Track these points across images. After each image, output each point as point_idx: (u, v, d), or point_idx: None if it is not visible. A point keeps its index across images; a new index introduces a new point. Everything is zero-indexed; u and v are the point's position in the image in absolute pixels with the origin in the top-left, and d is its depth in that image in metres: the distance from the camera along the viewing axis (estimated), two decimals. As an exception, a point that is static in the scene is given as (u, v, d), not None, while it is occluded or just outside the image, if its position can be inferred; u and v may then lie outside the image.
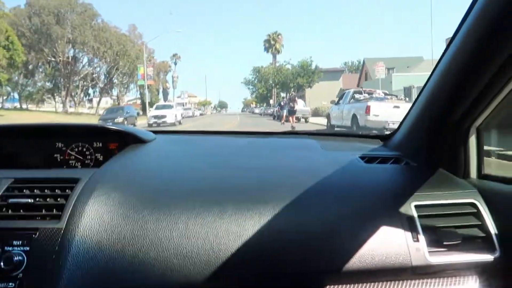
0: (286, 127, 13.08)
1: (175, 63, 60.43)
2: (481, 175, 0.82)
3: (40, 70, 35.86)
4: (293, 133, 1.34)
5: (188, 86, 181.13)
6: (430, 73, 0.82)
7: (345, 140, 1.23)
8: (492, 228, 0.71)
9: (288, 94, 32.15)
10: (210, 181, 0.81)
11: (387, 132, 1.10)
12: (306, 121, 19.03)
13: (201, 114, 54.69)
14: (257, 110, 56.96)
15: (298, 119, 18.09)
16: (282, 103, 19.29)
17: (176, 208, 0.70)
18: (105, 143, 1.07)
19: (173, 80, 59.70)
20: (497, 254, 0.69)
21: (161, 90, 55.61)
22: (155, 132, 1.20)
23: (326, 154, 1.01)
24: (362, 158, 0.94)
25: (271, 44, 53.50)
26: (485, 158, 0.83)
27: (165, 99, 59.34)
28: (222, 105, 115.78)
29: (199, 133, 1.36)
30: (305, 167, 0.90)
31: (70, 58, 33.85)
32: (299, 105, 18.41)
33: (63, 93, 31.10)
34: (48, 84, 38.57)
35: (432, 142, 0.89)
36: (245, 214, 0.70)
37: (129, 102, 60.73)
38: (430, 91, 0.84)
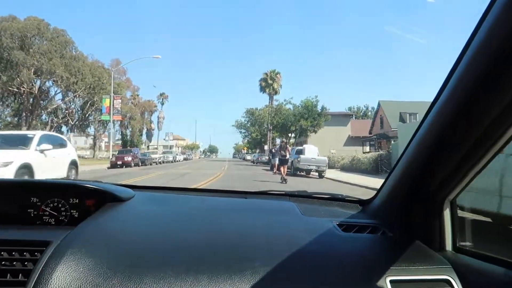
0: (277, 178, 12.43)
1: (162, 103, 55.86)
2: (456, 248, 0.87)
3: (3, 102, 30.33)
4: (272, 194, 1.37)
5: (176, 128, 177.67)
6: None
7: (324, 203, 1.28)
8: None
9: (286, 139, 27.16)
10: (185, 248, 0.84)
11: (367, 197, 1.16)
12: (321, 176, 15.85)
13: (185, 159, 47.56)
14: (249, 157, 54.83)
15: (307, 172, 16.46)
16: (273, 150, 18.04)
17: (147, 277, 0.72)
18: (82, 200, 1.08)
19: (158, 121, 54.60)
20: None
21: (144, 131, 49.93)
22: (134, 187, 1.25)
23: (304, 220, 1.05)
24: (340, 225, 0.98)
25: (268, 84, 50.02)
26: (459, 232, 0.88)
27: (149, 140, 53.22)
28: (212, 150, 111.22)
29: (178, 190, 1.43)
30: (282, 234, 0.94)
31: (36, 89, 28.63)
32: (312, 153, 16.84)
33: (24, 129, 25.47)
34: (11, 118, 32.74)
35: (408, 212, 0.94)
36: (219, 284, 0.71)
37: (106, 143, 54.24)
38: (406, 160, 0.89)
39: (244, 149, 74.01)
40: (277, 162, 14.51)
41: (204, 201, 1.25)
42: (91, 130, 42.30)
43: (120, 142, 48.23)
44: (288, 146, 14.14)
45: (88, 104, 34.87)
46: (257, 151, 58.65)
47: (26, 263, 0.75)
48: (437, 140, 0.77)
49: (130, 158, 22.19)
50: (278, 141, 36.73)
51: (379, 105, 35.59)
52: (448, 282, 0.77)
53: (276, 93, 48.29)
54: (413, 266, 0.80)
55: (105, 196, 1.07)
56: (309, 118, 33.39)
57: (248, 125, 53.70)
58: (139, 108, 50.69)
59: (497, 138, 0.68)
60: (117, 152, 24.76)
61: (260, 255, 0.79)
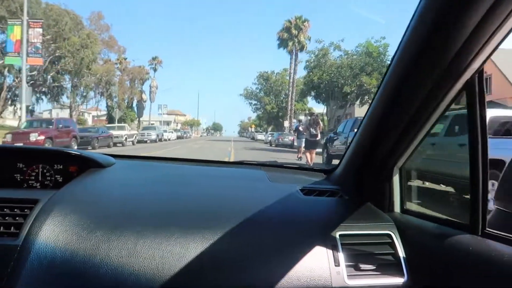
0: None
1: (155, 69, 46.15)
2: (403, 210, 1.08)
3: None
4: (245, 164, 1.57)
5: (177, 103, 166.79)
6: None
7: (292, 172, 1.49)
8: (403, 257, 0.95)
9: (331, 107, 17.59)
10: (161, 207, 1.00)
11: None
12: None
13: (179, 137, 36.85)
14: (260, 136, 43.77)
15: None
16: (300, 127, 13.36)
17: (127, 230, 0.87)
18: (66, 165, 1.23)
19: (150, 90, 45.41)
20: (405, 278, 0.91)
21: (135, 103, 40.99)
22: (115, 156, 1.40)
23: (271, 185, 1.25)
24: (302, 190, 1.18)
25: (292, 35, 35.76)
26: (406, 195, 1.09)
27: (140, 114, 43.62)
28: (216, 128, 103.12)
29: (158, 159, 1.60)
30: (249, 196, 1.14)
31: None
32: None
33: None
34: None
35: (362, 178, 1.15)
36: (189, 237, 0.87)
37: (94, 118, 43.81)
38: (361, 133, 1.09)
39: (252, 127, 64.41)
40: (303, 144, 12.00)
41: (181, 169, 1.44)
42: (66, 97, 33.40)
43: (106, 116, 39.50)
44: (319, 120, 11.39)
45: (48, 62, 25.67)
46: (269, 128, 48.05)
47: (17, 218, 0.88)
48: (383, 114, 0.97)
49: (42, 137, 12.99)
50: (302, 117, 25.77)
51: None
52: (389, 236, 0.98)
53: (302, 48, 35.86)
54: (361, 223, 1.00)
55: (88, 162, 1.23)
56: (374, 72, 21.42)
57: (261, 94, 44.35)
58: (127, 75, 41.40)
59: (430, 113, 0.88)
60: (24, 125, 15.01)
61: (228, 214, 0.97)
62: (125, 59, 42.02)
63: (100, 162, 1.24)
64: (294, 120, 30.97)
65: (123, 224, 0.88)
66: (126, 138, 21.40)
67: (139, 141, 24.63)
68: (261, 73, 42.61)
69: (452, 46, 0.73)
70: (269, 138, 31.36)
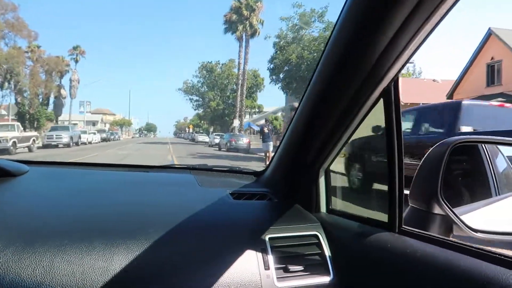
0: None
1: (76, 61, 43.01)
2: (328, 210, 1.19)
3: None
4: (173, 167, 1.64)
5: (104, 101, 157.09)
6: None
7: (223, 175, 1.56)
8: (328, 256, 1.04)
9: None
10: (80, 218, 1.00)
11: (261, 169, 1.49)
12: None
13: (105, 140, 34.38)
14: (202, 138, 39.97)
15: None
16: (265, 129, 12.83)
17: (41, 246, 0.84)
18: None
19: (71, 85, 42.29)
20: (331, 277, 1.01)
21: (52, 99, 37.91)
22: (29, 163, 1.36)
23: (201, 190, 1.31)
24: (232, 194, 1.25)
25: (241, 17, 32.47)
26: (332, 196, 1.20)
27: (58, 112, 40.47)
28: (149, 128, 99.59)
29: (77, 164, 1.61)
30: (177, 203, 1.18)
31: None
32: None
33: None
34: None
35: (290, 181, 1.25)
36: (113, 249, 0.87)
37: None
38: (289, 135, 1.19)
39: (190, 127, 62.43)
40: (271, 148, 11.78)
41: (103, 175, 1.43)
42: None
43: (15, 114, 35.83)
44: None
45: None
46: (211, 129, 46.90)
47: None
48: (308, 118, 1.08)
49: None
50: (262, 122, 23.55)
51: (488, 33, 20.20)
52: (316, 237, 1.07)
53: (254, 34, 33.33)
54: (290, 225, 1.08)
55: None
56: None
57: (204, 89, 40.96)
58: (41, 65, 38.16)
59: (352, 118, 0.99)
60: None
61: (155, 222, 0.99)
62: (39, 47, 38.66)
63: (8, 170, 1.19)
64: (244, 119, 30.03)
65: (38, 240, 0.85)
66: (14, 142, 17.00)
67: (45, 146, 21.80)
68: (203, 64, 39.41)
69: (372, 53, 0.84)
70: (216, 141, 28.55)
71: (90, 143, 28.62)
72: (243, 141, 23.31)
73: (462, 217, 0.93)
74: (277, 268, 0.97)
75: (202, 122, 56.00)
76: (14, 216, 0.97)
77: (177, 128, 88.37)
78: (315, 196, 1.20)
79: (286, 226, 1.08)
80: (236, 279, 0.92)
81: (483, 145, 1.11)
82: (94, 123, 56.41)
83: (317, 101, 1.03)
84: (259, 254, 0.98)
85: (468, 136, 1.07)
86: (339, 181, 1.22)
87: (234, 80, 36.77)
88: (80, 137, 26.01)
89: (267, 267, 0.96)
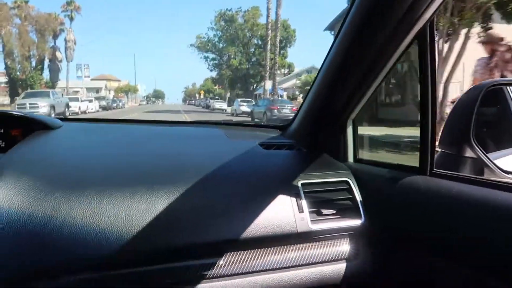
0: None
1: (71, 18, 43.10)
2: (356, 159, 1.36)
3: None
4: (201, 123, 1.85)
5: (108, 67, 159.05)
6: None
7: (248, 129, 1.82)
8: (360, 200, 1.21)
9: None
10: (120, 166, 1.16)
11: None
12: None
13: (105, 108, 34.22)
14: (219, 105, 36.44)
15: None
16: None
17: (88, 189, 0.98)
18: (7, 129, 1.38)
19: (66, 46, 42.72)
20: (362, 220, 1.18)
21: (46, 63, 38.68)
22: (62, 119, 1.58)
23: (230, 142, 1.49)
24: (261, 145, 1.41)
25: None
26: (360, 145, 1.37)
27: (54, 77, 41.39)
28: (157, 95, 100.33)
29: (107, 121, 1.86)
30: (209, 153, 1.34)
31: None
32: None
33: None
34: None
35: (318, 131, 1.42)
36: (155, 194, 1.01)
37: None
38: (316, 87, 1.34)
39: (200, 93, 59.47)
40: None
41: (134, 129, 1.67)
42: None
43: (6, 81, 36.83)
44: None
45: None
46: (227, 95, 44.77)
47: None
48: (339, 65, 1.20)
49: None
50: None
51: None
52: (347, 183, 1.23)
53: None
54: (320, 172, 1.25)
55: (32, 125, 1.37)
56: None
57: (222, 44, 36.09)
58: (31, 24, 38.72)
59: (384, 63, 1.12)
60: None
61: (190, 170, 1.14)
62: (26, 2, 38.56)
63: (46, 123, 1.38)
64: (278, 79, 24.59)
65: (83, 184, 1.00)
66: (47, 109, 17.33)
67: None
68: (221, 13, 35.17)
69: None
70: (243, 109, 25.04)
71: (84, 112, 26.97)
72: (289, 108, 18.84)
73: (496, 161, 1.06)
74: (310, 212, 1.13)
75: (216, 87, 52.72)
76: (58, 163, 1.13)
77: (186, 95, 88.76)
78: (343, 146, 1.36)
79: (316, 173, 1.24)
80: (272, 221, 1.08)
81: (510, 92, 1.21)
82: (97, 90, 55.24)
83: (349, 46, 1.14)
84: (293, 199, 1.13)
85: (501, 79, 1.20)
86: (367, 131, 1.37)
87: (260, 32, 33.35)
88: (68, 106, 23.61)
89: (301, 210, 1.12)
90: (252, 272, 1.08)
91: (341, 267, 1.16)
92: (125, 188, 1.01)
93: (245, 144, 1.42)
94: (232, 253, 1.06)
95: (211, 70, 44.29)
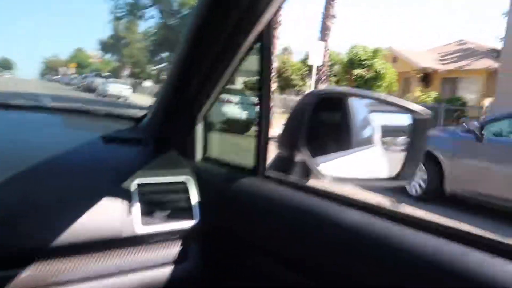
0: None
1: None
2: (204, 158, 1.37)
3: None
4: (41, 108, 1.64)
5: None
6: None
7: (97, 119, 1.62)
8: (196, 201, 1.21)
9: None
10: None
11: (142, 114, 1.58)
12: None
13: None
14: (117, 90, 22.19)
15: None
16: None
17: None
18: None
19: None
20: (195, 221, 1.18)
21: None
22: None
23: (67, 133, 1.40)
24: (103, 138, 1.32)
25: None
26: (209, 143, 1.40)
27: None
28: (5, 65, 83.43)
29: None
30: (38, 144, 1.23)
31: None
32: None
33: None
34: None
35: (169, 126, 1.38)
36: None
37: None
38: (168, 78, 1.31)
39: (70, 67, 45.11)
40: None
41: None
42: None
43: None
44: None
45: None
46: (124, 73, 30.30)
47: None
48: (185, 61, 1.20)
49: None
50: None
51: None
52: (185, 183, 1.22)
53: None
54: (160, 171, 1.22)
55: None
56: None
57: None
58: None
59: (228, 63, 1.14)
60: None
61: (12, 160, 1.05)
62: None
63: None
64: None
65: None
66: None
67: None
68: None
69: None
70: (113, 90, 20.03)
71: None
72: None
73: (320, 165, 1.15)
74: (142, 213, 1.10)
75: (97, 60, 42.79)
76: None
77: (48, 67, 75.09)
78: (192, 143, 1.36)
79: (156, 172, 1.21)
80: (94, 225, 1.02)
81: (349, 100, 1.34)
82: None
83: (194, 42, 1.16)
84: (124, 201, 1.08)
85: (334, 88, 1.34)
86: (217, 129, 1.40)
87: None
88: None
89: (130, 213, 1.07)
90: (66, 283, 0.99)
91: (167, 270, 1.14)
92: None
93: (84, 136, 1.34)
94: (41, 262, 0.95)
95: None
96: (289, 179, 1.11)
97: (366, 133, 1.39)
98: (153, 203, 1.14)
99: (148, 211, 1.11)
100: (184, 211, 1.18)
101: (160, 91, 1.37)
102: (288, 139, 1.17)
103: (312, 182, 1.17)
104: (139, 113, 1.53)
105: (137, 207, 1.09)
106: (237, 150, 1.35)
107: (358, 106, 1.34)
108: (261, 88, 1.07)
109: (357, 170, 1.33)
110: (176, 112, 1.35)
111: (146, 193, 1.13)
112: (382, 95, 1.34)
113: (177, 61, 1.23)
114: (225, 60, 1.15)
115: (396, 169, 1.18)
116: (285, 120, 1.18)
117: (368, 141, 1.40)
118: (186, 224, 1.16)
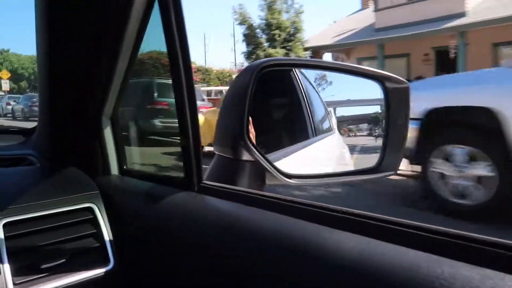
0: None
1: None
2: (122, 172, 1.04)
3: None
4: None
5: None
6: None
7: None
8: (108, 236, 0.87)
9: None
10: None
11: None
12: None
13: None
14: None
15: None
16: None
17: None
18: None
19: None
20: (111, 265, 0.83)
21: None
22: None
23: None
24: None
25: None
26: (128, 153, 1.08)
27: None
28: None
29: None
30: None
31: None
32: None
33: None
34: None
35: (64, 137, 1.06)
36: None
37: None
38: (41, 83, 1.01)
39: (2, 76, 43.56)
40: None
41: None
42: None
43: None
44: None
45: None
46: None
47: None
48: (54, 58, 0.93)
49: None
50: None
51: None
52: (91, 210, 0.88)
53: None
54: (52, 199, 0.85)
55: None
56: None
57: None
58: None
59: (118, 49, 0.91)
60: None
61: None
62: None
63: None
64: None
65: None
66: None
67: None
68: None
69: None
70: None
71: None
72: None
73: (276, 163, 0.87)
74: (17, 269, 0.74)
75: None
76: None
77: None
78: (100, 155, 1.04)
79: (44, 201, 0.84)
80: None
81: (301, 85, 1.06)
82: None
83: (55, 32, 0.90)
84: None
85: (275, 58, 1.06)
86: (135, 135, 1.09)
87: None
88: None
89: None
90: None
91: None
92: None
93: None
94: None
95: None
96: (230, 190, 0.80)
97: (326, 116, 1.13)
98: (39, 248, 0.78)
99: (29, 263, 0.76)
100: (92, 252, 0.84)
101: (40, 96, 1.05)
102: (226, 134, 0.87)
103: (271, 185, 0.89)
104: (31, 125, 1.20)
105: (9, 259, 0.73)
106: (163, 160, 1.03)
107: (312, 90, 1.07)
108: (179, 83, 0.77)
109: (324, 165, 1.07)
110: (72, 115, 1.03)
111: (27, 235, 0.78)
112: (346, 64, 1.02)
113: (43, 59, 0.95)
114: (115, 45, 0.90)
115: (374, 158, 0.94)
116: (219, 110, 0.89)
117: (330, 128, 1.14)
118: (98, 271, 0.81)
